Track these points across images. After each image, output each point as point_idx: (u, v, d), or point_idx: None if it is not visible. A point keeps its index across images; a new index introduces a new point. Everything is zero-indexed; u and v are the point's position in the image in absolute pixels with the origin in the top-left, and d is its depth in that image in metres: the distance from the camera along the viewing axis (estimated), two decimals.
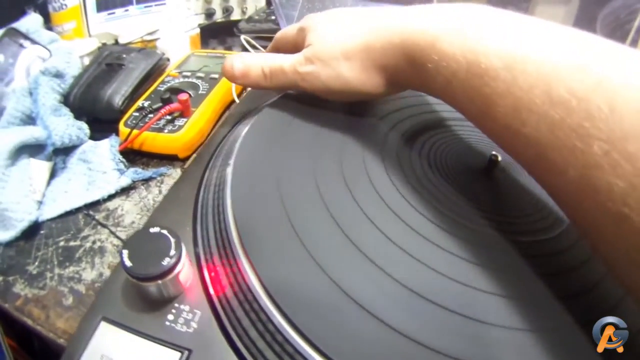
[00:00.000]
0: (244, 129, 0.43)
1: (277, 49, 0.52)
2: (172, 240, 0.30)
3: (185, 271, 0.31)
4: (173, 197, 0.41)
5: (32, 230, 0.50)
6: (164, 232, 0.30)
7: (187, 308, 0.31)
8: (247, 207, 0.34)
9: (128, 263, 0.29)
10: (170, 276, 0.29)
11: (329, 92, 0.43)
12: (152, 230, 0.30)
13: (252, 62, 0.47)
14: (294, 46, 0.48)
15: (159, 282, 0.29)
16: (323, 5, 0.84)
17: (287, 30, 0.50)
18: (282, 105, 0.47)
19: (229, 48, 0.97)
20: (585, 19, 0.85)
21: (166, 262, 0.29)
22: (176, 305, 0.31)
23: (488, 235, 0.34)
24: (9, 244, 0.48)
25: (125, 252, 0.29)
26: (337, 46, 0.41)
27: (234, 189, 0.35)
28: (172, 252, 0.29)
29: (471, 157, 0.44)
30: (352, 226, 0.33)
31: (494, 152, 0.41)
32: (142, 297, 0.32)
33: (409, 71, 0.37)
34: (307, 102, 0.47)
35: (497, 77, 0.29)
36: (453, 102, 0.35)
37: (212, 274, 0.32)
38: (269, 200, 0.34)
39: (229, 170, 0.37)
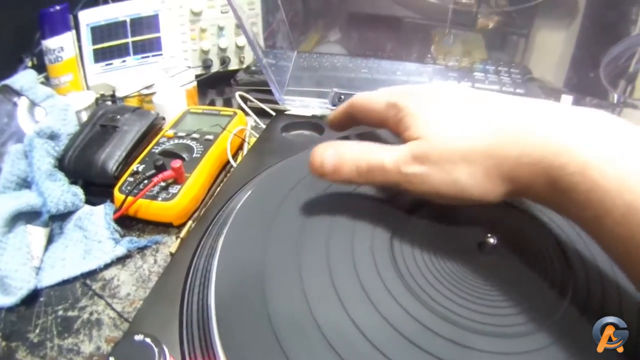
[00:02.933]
0: (230, 217, 0.43)
1: (352, 116, 0.46)
2: (156, 350, 0.30)
3: None
4: (160, 292, 0.41)
5: (32, 297, 0.50)
6: (148, 341, 0.30)
7: None
8: (231, 313, 0.34)
9: None
10: None
11: (438, 197, 0.37)
12: (136, 338, 0.31)
13: (347, 155, 0.39)
14: (379, 122, 0.42)
15: None
16: (313, 74, 0.84)
17: (371, 101, 0.43)
18: (268, 188, 0.47)
19: (228, 99, 0.98)
20: (585, 43, 0.85)
21: None
22: None
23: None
24: (10, 309, 0.49)
25: None
26: (454, 146, 0.35)
27: (218, 291, 0.35)
28: None
29: (462, 238, 0.42)
30: (345, 344, 0.32)
31: (488, 234, 0.40)
32: None
33: (545, 191, 0.32)
34: (294, 176, 0.47)
35: None
36: (599, 240, 0.31)
37: None
38: (254, 305, 0.34)
39: (214, 269, 0.37)
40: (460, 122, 0.36)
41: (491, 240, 0.40)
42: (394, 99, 0.40)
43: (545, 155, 0.31)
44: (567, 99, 0.82)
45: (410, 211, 0.44)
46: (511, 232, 0.43)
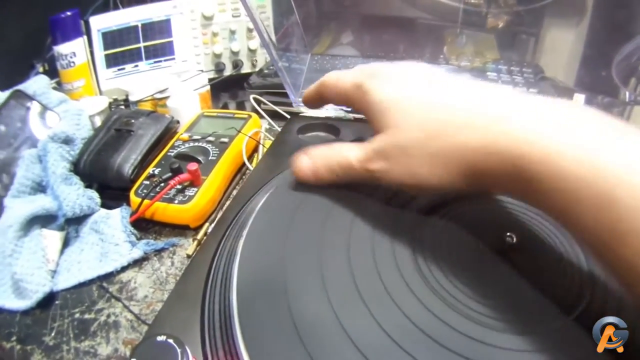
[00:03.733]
0: (250, 219, 0.43)
1: (322, 95, 0.47)
2: (179, 351, 0.30)
3: None
4: (180, 293, 0.41)
5: (48, 300, 0.50)
6: (170, 341, 0.30)
7: None
8: (254, 314, 0.34)
9: None
10: None
11: (403, 187, 0.39)
12: (158, 339, 0.30)
13: (319, 159, 0.43)
14: (345, 101, 0.44)
15: None
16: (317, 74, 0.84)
17: (339, 79, 0.43)
18: (286, 189, 0.47)
19: (241, 102, 0.98)
20: (595, 42, 0.85)
21: None
22: None
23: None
24: (25, 312, 0.49)
25: None
26: (413, 139, 0.35)
27: (239, 293, 0.35)
28: None
29: (487, 237, 0.43)
30: (361, 336, 0.32)
31: (509, 233, 0.40)
32: None
33: (511, 181, 0.32)
34: (307, 186, 0.46)
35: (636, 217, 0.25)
36: (573, 231, 0.30)
37: None
38: (276, 305, 0.34)
39: (235, 270, 0.37)
40: (422, 111, 0.36)
41: (510, 240, 0.40)
42: (360, 79, 0.41)
43: (510, 145, 0.31)
44: (579, 97, 0.81)
45: (429, 211, 0.44)
46: (531, 232, 0.43)
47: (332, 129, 0.66)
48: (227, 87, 1.02)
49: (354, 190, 0.44)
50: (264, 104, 0.84)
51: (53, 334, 0.47)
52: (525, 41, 0.98)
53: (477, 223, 0.43)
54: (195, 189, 0.60)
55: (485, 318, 0.34)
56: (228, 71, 1.01)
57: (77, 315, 0.49)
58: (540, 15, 0.93)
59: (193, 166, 0.59)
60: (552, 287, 0.37)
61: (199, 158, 0.64)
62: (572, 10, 0.89)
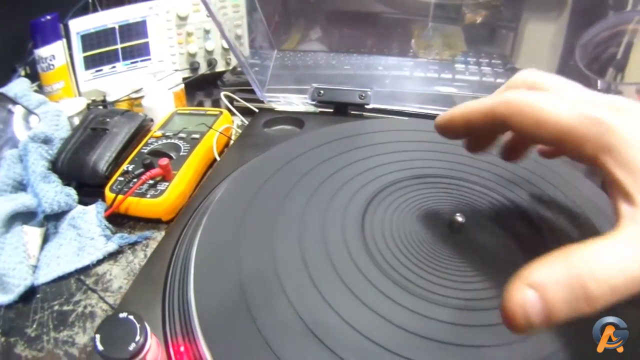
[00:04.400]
0: (210, 206, 0.45)
1: (501, 122, 0.32)
2: (138, 326, 0.33)
3: (153, 352, 0.34)
4: (145, 276, 0.44)
5: (30, 294, 0.53)
6: (131, 317, 0.33)
7: None
8: (209, 293, 0.36)
9: (100, 347, 0.32)
10: (137, 359, 0.32)
11: None
12: (120, 315, 0.33)
13: (557, 292, 0.24)
14: (557, 137, 0.30)
15: None
16: (296, 72, 0.87)
17: (548, 108, 0.30)
18: (245, 178, 0.49)
19: (216, 100, 1.00)
20: (575, 36, 0.86)
21: (132, 347, 0.32)
22: None
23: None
24: (9, 306, 0.51)
25: (97, 337, 0.32)
26: None
27: (196, 274, 0.38)
28: (137, 337, 0.32)
29: (435, 219, 0.45)
30: (312, 313, 0.34)
31: (457, 213, 0.43)
32: None
33: None
34: (270, 170, 0.49)
35: None
36: None
37: (177, 355, 0.35)
38: (230, 284, 0.37)
39: (193, 254, 0.40)
40: None
41: (459, 219, 0.42)
42: (595, 112, 0.29)
43: None
44: None
45: (379, 194, 0.47)
46: (480, 211, 0.46)
47: (297, 122, 0.69)
48: (202, 85, 1.04)
49: (308, 180, 0.47)
50: (237, 100, 0.86)
51: (34, 326, 0.49)
52: (504, 35, 1.00)
53: (426, 204, 0.46)
54: (167, 184, 0.62)
55: (428, 293, 0.36)
56: (202, 70, 1.03)
57: (56, 308, 0.51)
58: (518, 9, 0.96)
59: (164, 161, 0.62)
60: (499, 263, 0.40)
61: (171, 154, 0.67)
62: (552, 2, 0.90)
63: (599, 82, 0.85)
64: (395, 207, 0.46)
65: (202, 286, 0.37)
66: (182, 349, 0.35)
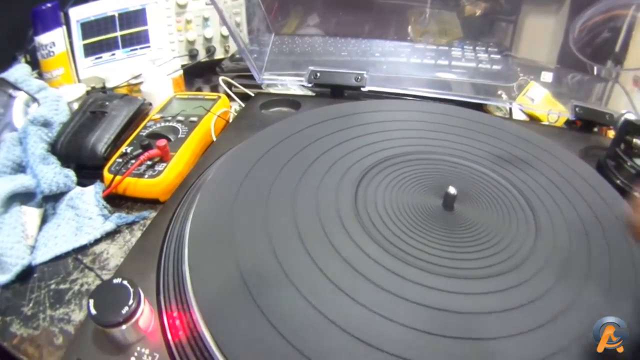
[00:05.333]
0: (204, 183, 0.46)
1: None
2: (131, 290, 0.33)
3: (146, 317, 0.34)
4: (141, 247, 0.45)
5: (26, 274, 0.53)
6: (125, 282, 0.34)
7: (147, 351, 0.34)
8: (203, 263, 0.37)
9: (93, 311, 0.33)
10: (130, 323, 0.33)
11: None
12: (114, 281, 0.34)
13: None
14: None
15: (120, 328, 0.33)
16: (293, 57, 0.87)
17: None
18: (241, 154, 0.50)
19: (215, 87, 1.01)
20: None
21: (125, 310, 0.32)
22: (138, 348, 0.34)
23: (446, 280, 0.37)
24: (5, 286, 0.52)
25: (91, 302, 0.33)
26: None
27: (191, 245, 0.39)
28: (130, 301, 0.33)
29: (428, 192, 0.46)
30: (307, 284, 0.35)
31: (450, 187, 0.44)
32: (110, 341, 0.35)
33: None
34: (265, 147, 0.50)
35: None
36: None
37: (170, 321, 0.36)
38: (223, 255, 0.37)
39: (188, 227, 0.40)
40: None
41: (452, 191, 0.43)
42: None
43: None
44: (547, 75, 0.84)
45: (373, 166, 0.48)
46: (472, 185, 0.47)
47: (293, 104, 0.69)
48: (202, 72, 1.05)
49: (303, 155, 0.48)
50: (235, 86, 0.87)
51: (31, 305, 0.50)
52: (504, 28, 1.01)
53: (419, 179, 0.47)
54: (165, 164, 0.63)
55: (423, 263, 0.38)
56: (201, 57, 1.03)
57: (52, 286, 0.52)
58: (517, 2, 0.96)
59: (162, 142, 0.62)
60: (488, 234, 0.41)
61: (169, 136, 0.68)
62: None
63: (595, 68, 0.85)
64: (388, 182, 0.47)
65: (196, 258, 0.38)
66: (177, 322, 0.36)
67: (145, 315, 0.34)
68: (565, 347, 0.32)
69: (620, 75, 0.86)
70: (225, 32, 1.02)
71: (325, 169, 0.47)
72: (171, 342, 0.35)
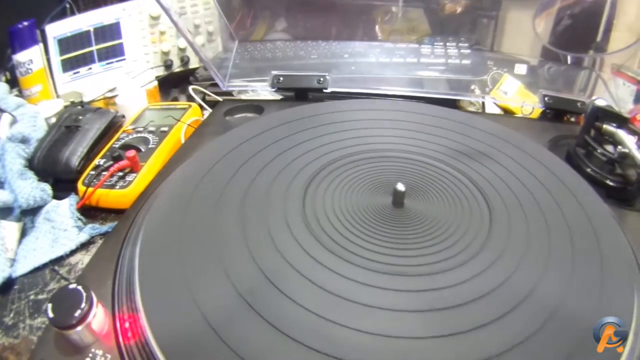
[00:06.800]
0: (157, 194, 0.48)
1: None
2: (84, 294, 0.36)
3: (99, 321, 0.37)
4: (101, 254, 0.47)
5: (7, 286, 0.55)
6: (79, 288, 0.36)
7: (100, 352, 0.36)
8: (151, 271, 0.39)
9: (51, 314, 0.35)
10: (83, 325, 0.35)
11: None
12: (70, 286, 0.36)
13: None
14: None
15: (75, 330, 0.35)
16: (263, 63, 0.89)
17: None
18: (195, 164, 0.52)
19: (190, 96, 1.01)
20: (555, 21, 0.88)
21: (78, 313, 0.35)
22: (93, 349, 0.37)
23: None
24: None
25: (49, 306, 0.36)
26: None
27: (142, 253, 0.41)
28: (83, 305, 0.35)
29: (378, 191, 0.48)
30: (248, 286, 0.37)
31: (399, 183, 0.45)
32: (68, 342, 0.37)
33: None
34: (221, 152, 0.52)
35: None
36: None
37: (121, 324, 0.38)
38: (171, 263, 0.40)
39: (141, 234, 0.43)
40: None
41: (400, 188, 0.45)
42: None
43: None
44: (520, 67, 0.85)
45: (322, 168, 0.50)
46: (424, 181, 0.48)
47: (257, 109, 0.71)
48: (177, 82, 1.07)
49: (256, 162, 0.50)
50: (208, 95, 0.89)
51: (12, 315, 0.52)
52: (485, 25, 1.02)
53: (370, 177, 0.49)
54: (135, 175, 0.65)
55: (368, 262, 0.39)
56: (176, 67, 1.06)
57: (32, 297, 0.54)
58: None
59: (131, 153, 0.65)
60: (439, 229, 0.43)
61: (140, 146, 0.70)
62: None
63: (568, 57, 0.86)
64: (337, 183, 0.49)
65: (147, 265, 0.40)
66: (127, 325, 0.38)
67: (99, 318, 0.37)
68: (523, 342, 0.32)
69: (605, 64, 0.86)
70: (199, 42, 1.04)
71: (275, 173, 0.49)
72: (122, 345, 0.37)
